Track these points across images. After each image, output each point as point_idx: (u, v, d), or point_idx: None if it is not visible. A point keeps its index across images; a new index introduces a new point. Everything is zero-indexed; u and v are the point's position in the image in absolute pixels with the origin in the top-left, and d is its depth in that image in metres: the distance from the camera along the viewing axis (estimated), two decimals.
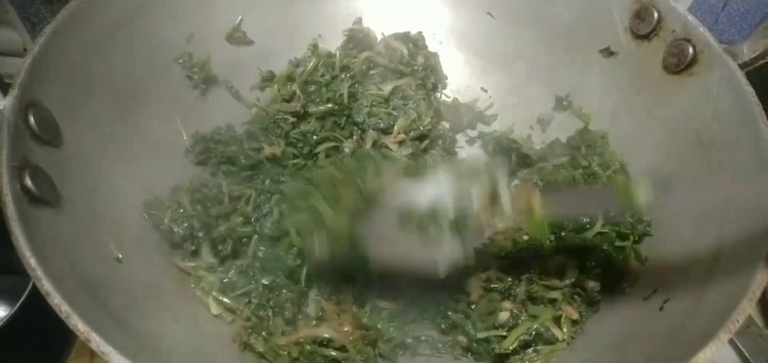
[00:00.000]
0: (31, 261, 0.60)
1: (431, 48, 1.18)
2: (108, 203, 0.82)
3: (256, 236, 0.91)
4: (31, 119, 0.74)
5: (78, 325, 0.58)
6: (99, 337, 0.57)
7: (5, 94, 0.74)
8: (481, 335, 0.82)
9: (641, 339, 0.74)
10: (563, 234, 0.91)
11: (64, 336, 1.00)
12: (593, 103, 1.09)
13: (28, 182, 0.69)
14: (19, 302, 0.88)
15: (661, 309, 0.75)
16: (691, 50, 0.92)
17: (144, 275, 0.81)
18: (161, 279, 0.84)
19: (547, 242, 0.89)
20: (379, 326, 0.85)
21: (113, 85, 0.90)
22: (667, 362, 0.64)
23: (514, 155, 1.05)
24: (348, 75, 1.09)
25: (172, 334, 0.77)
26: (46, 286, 0.59)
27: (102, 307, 0.66)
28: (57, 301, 0.58)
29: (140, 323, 0.72)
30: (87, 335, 0.57)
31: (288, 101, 1.08)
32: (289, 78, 1.11)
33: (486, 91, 1.18)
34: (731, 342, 0.95)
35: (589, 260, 0.87)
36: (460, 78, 1.19)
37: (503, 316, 0.82)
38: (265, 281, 0.87)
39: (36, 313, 0.86)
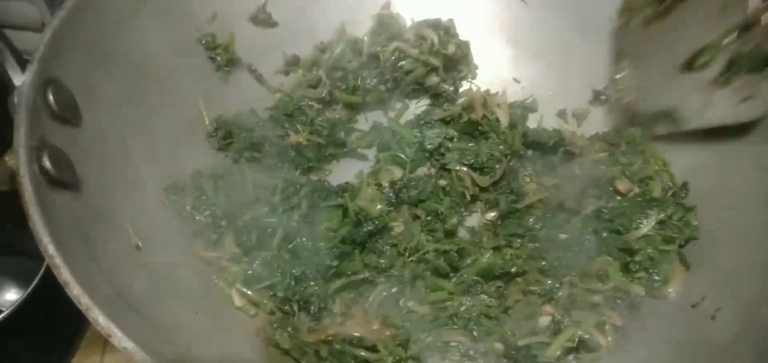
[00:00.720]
0: (49, 247, 0.57)
1: (462, 36, 1.13)
2: (127, 188, 0.79)
3: (281, 229, 0.87)
4: (51, 97, 0.70)
5: (99, 318, 0.54)
6: (121, 332, 0.53)
7: (23, 70, 0.71)
8: (521, 342, 0.77)
9: (690, 349, 0.69)
10: (605, 235, 0.86)
11: (76, 321, 0.97)
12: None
13: (47, 163, 0.65)
14: (31, 287, 0.86)
15: (712, 317, 0.71)
16: None
17: (164, 264, 0.77)
18: (182, 269, 0.80)
19: None
20: (408, 327, 0.81)
21: (134, 64, 0.87)
22: None
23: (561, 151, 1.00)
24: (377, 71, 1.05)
25: (192, 326, 0.73)
26: (65, 276, 0.55)
27: (121, 298, 0.63)
28: (76, 292, 0.55)
29: (160, 315, 0.68)
30: (108, 330, 0.54)
31: (314, 87, 1.04)
32: (315, 63, 1.07)
33: (519, 82, 1.13)
34: None
35: (633, 263, 0.83)
36: (492, 68, 1.14)
37: (544, 321, 0.78)
38: (295, 271, 0.83)
39: (47, 298, 0.83)
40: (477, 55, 1.14)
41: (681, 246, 0.84)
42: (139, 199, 0.80)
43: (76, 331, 0.97)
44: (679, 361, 0.69)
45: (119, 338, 0.53)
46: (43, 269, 0.85)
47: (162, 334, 0.66)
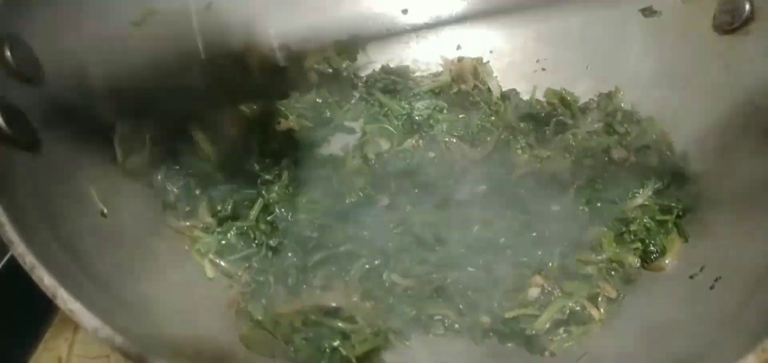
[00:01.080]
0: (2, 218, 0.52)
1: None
2: (94, 152, 0.74)
3: (260, 199, 0.83)
4: (8, 53, 0.66)
5: (44, 278, 0.50)
6: (67, 292, 0.49)
7: None
8: (509, 314, 0.73)
9: (689, 321, 0.65)
10: (599, 205, 0.82)
11: (45, 305, 0.92)
12: (629, 67, 0.99)
13: (1, 121, 0.61)
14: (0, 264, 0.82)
15: (711, 288, 0.66)
16: (747, 6, 0.82)
17: (131, 233, 0.73)
18: (151, 238, 0.76)
19: None
20: (390, 300, 0.77)
21: (102, 24, 0.82)
22: (724, 349, 0.55)
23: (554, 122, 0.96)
24: None
25: (161, 299, 0.69)
26: (10, 234, 0.51)
27: (77, 263, 0.59)
28: (20, 250, 0.51)
29: (124, 288, 0.64)
30: (54, 290, 0.49)
31: None
32: None
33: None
34: None
35: (628, 233, 0.78)
36: (483, 37, 1.09)
37: (533, 292, 0.74)
38: (272, 242, 0.79)
39: (19, 275, 0.79)
40: (466, 25, 1.09)
41: (679, 216, 0.80)
42: (106, 164, 0.76)
43: (45, 315, 0.93)
44: (677, 334, 0.64)
45: (65, 299, 0.48)
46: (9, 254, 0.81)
47: (127, 309, 0.62)
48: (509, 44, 1.08)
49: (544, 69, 1.06)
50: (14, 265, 0.81)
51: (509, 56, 1.08)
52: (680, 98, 0.91)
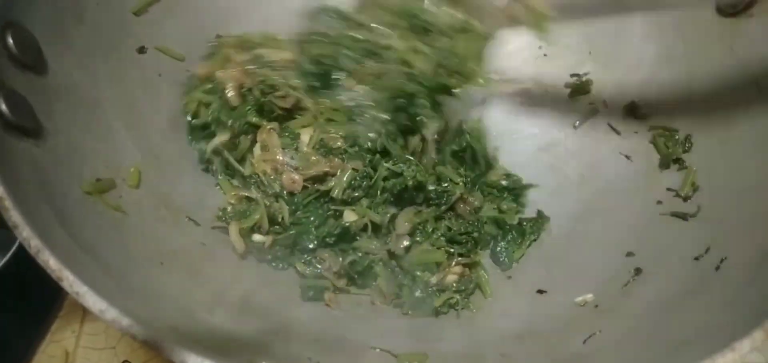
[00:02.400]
0: (6, 202, 0.52)
1: None
2: (97, 141, 0.75)
3: None
4: (10, 40, 0.66)
5: (49, 261, 0.50)
6: (73, 274, 0.49)
7: None
8: None
9: (695, 304, 0.65)
10: None
11: (54, 292, 0.93)
12: (631, 52, 0.98)
13: (3, 106, 0.61)
14: (8, 255, 0.84)
15: (717, 269, 0.66)
16: None
17: (137, 219, 0.73)
18: (157, 224, 0.76)
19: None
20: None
21: (106, 15, 0.83)
22: (730, 330, 0.54)
23: None
24: None
25: (170, 286, 0.69)
26: (15, 218, 0.51)
27: (83, 248, 0.59)
28: (26, 234, 0.51)
29: (132, 274, 0.65)
30: (59, 273, 0.49)
31: None
32: None
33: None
34: None
35: None
36: None
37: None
38: None
39: (25, 267, 0.80)
40: None
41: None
42: (110, 153, 0.76)
43: (53, 302, 0.94)
44: (686, 318, 0.64)
45: (71, 281, 0.49)
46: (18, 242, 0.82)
47: (136, 295, 0.62)
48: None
49: (545, 55, 1.06)
50: (21, 257, 0.83)
51: (510, 42, 1.08)
52: (684, 82, 0.90)
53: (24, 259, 0.79)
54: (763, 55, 0.79)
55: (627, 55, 0.98)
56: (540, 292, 0.82)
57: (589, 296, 0.76)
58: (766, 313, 0.52)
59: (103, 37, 0.82)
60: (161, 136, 0.85)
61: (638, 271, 0.76)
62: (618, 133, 0.95)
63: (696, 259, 0.70)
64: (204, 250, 0.78)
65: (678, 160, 0.85)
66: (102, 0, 0.82)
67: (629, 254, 0.80)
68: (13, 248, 0.84)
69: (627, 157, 0.91)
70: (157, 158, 0.82)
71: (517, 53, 1.06)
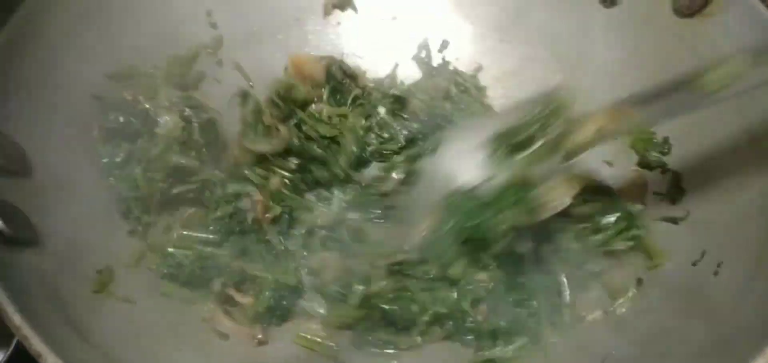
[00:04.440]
0: (15, 318, 0.52)
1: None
2: (93, 231, 0.74)
3: None
4: None
5: None
6: None
7: None
8: None
9: (699, 312, 0.68)
10: None
11: None
12: (598, 59, 1.02)
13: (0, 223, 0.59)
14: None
15: (715, 273, 0.70)
16: None
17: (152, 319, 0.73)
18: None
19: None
20: None
21: (79, 95, 0.81)
22: (739, 336, 0.57)
23: None
24: None
25: None
26: (37, 346, 0.50)
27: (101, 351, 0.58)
28: (52, 361, 0.50)
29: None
30: None
31: None
32: None
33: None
34: None
35: None
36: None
37: None
38: None
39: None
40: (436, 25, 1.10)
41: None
42: (107, 241, 0.75)
43: None
44: (691, 326, 0.67)
45: None
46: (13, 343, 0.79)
47: None
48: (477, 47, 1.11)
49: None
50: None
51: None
52: (652, 84, 0.93)
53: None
54: (723, 54, 0.82)
55: (594, 62, 1.02)
56: None
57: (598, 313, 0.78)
58: None
59: (78, 121, 0.81)
60: None
61: (640, 281, 0.79)
62: None
63: (693, 264, 0.74)
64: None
65: (660, 164, 0.87)
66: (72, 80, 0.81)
67: None
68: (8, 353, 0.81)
69: (609, 163, 0.93)
70: None
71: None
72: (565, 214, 0.77)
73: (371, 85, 1.01)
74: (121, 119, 0.82)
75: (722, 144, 0.80)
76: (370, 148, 0.93)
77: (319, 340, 0.78)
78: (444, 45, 1.09)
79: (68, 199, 0.73)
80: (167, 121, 0.81)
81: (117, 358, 0.62)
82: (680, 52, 0.89)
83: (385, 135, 0.95)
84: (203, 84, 0.95)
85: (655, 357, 0.66)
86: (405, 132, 0.95)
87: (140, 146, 0.81)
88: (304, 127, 0.90)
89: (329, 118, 0.93)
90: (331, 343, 0.78)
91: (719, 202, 0.76)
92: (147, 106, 0.82)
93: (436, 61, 1.08)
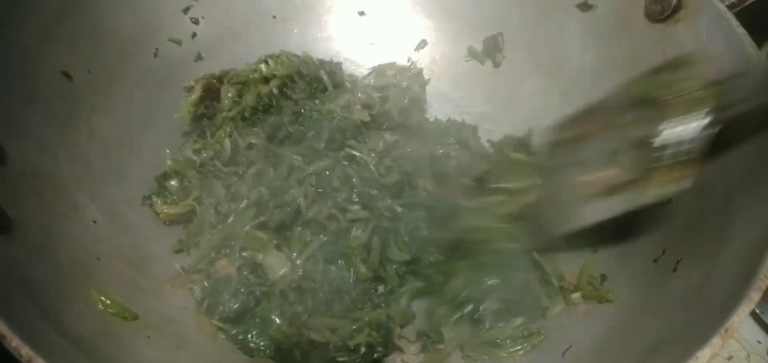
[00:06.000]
0: None
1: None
2: (68, 222, 0.75)
3: None
4: None
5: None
6: None
7: None
8: None
9: (657, 307, 0.69)
10: None
11: None
12: (574, 61, 1.03)
13: None
14: None
15: (674, 270, 0.71)
16: None
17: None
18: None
19: None
20: None
21: (57, 88, 0.82)
22: (691, 331, 0.59)
23: None
24: None
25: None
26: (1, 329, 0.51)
27: (68, 338, 0.59)
28: (15, 344, 0.51)
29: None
30: None
31: None
32: None
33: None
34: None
35: None
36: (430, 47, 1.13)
37: None
38: None
39: None
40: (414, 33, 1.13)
41: None
42: (83, 231, 0.76)
43: None
44: (649, 322, 0.69)
45: None
46: None
47: None
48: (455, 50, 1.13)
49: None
50: None
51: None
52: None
53: None
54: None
55: (570, 65, 1.04)
56: None
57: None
58: (724, 311, 0.56)
59: (57, 112, 0.82)
60: (128, 203, 0.86)
61: (604, 277, 0.81)
62: None
63: (655, 261, 0.75)
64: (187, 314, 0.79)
65: None
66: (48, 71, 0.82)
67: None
68: None
69: None
70: (130, 228, 0.83)
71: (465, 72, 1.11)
72: None
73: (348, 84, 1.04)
74: None
75: None
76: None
77: None
78: (421, 44, 1.12)
79: (43, 189, 0.73)
80: None
81: (90, 347, 0.62)
82: (652, 55, 0.90)
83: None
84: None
85: (616, 348, 0.68)
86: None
87: None
88: None
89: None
90: None
91: (679, 203, 0.77)
92: None
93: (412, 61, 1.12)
